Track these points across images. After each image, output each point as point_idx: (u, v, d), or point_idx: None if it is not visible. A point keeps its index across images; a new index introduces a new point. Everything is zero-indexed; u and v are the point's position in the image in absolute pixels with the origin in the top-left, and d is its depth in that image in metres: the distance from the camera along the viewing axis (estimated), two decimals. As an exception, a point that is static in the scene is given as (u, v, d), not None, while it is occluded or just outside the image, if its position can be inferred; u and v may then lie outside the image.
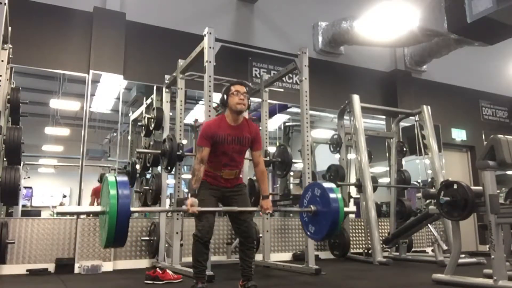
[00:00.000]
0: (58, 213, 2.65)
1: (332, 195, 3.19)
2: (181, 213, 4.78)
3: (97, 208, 2.73)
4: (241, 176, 3.32)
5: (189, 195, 3.01)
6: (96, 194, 5.53)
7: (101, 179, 5.67)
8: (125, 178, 2.63)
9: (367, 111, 6.51)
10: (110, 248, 2.43)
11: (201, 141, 3.07)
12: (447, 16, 5.36)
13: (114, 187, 2.50)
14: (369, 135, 6.49)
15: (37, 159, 6.03)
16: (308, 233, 3.45)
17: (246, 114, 5.74)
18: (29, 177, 5.74)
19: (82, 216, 5.07)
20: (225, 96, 3.11)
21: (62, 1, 5.55)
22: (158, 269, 3.84)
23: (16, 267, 4.54)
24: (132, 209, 2.56)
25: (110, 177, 2.58)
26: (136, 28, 5.90)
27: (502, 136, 3.49)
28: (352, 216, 6.67)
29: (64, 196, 6.33)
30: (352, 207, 6.66)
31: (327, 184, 3.33)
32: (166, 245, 4.94)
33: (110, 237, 2.48)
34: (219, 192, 3.16)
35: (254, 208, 3.28)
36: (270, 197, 5.76)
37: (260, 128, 5.39)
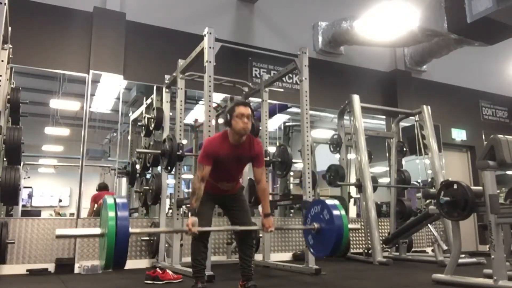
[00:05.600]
0: (57, 236, 2.65)
1: (335, 212, 3.18)
2: (181, 213, 4.78)
3: (96, 230, 2.72)
4: (240, 181, 3.34)
5: (189, 214, 2.96)
6: (96, 199, 5.56)
7: (99, 188, 5.75)
8: (124, 200, 2.63)
9: (367, 111, 6.51)
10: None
11: (202, 159, 3.02)
12: (447, 16, 5.36)
13: (113, 209, 2.51)
14: (369, 135, 6.48)
15: (37, 159, 6.03)
16: (312, 250, 3.43)
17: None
18: (29, 177, 5.74)
19: (82, 216, 5.09)
20: (228, 116, 3.02)
21: (62, 1, 5.55)
22: (158, 269, 3.84)
23: (16, 267, 4.55)
24: (131, 230, 2.56)
25: (109, 199, 2.58)
26: (136, 28, 5.90)
27: (502, 136, 3.49)
28: (352, 216, 6.67)
29: (60, 201, 6.32)
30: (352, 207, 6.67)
31: (330, 201, 3.32)
32: (166, 245, 4.94)
33: (109, 259, 2.47)
34: (218, 197, 3.21)
35: (256, 227, 3.23)
36: (271, 196, 5.75)
37: (260, 128, 5.40)
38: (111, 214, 2.49)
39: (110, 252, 2.45)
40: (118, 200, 2.58)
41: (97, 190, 5.70)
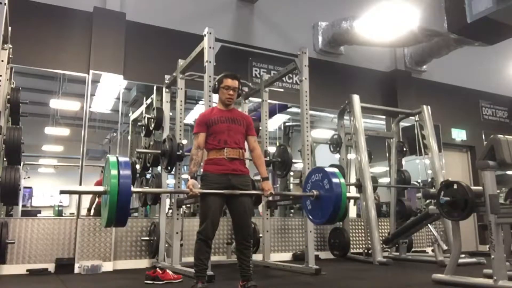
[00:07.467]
0: (61, 192, 2.69)
1: (334, 180, 3.21)
2: (181, 213, 4.78)
3: (99, 187, 2.79)
4: (247, 167, 3.26)
5: (189, 178, 3.06)
6: (98, 185, 5.53)
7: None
8: (126, 159, 2.68)
9: (367, 111, 6.51)
10: (111, 227, 2.57)
11: (196, 128, 3.22)
12: (447, 16, 5.36)
13: (116, 167, 2.55)
14: (369, 135, 6.48)
15: (37, 159, 6.03)
16: (311, 217, 3.45)
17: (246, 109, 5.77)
18: (29, 177, 5.74)
19: (82, 216, 5.08)
20: (216, 85, 3.26)
21: (62, 1, 5.55)
22: (158, 269, 3.85)
23: (16, 267, 4.55)
24: (133, 189, 2.61)
25: (112, 158, 2.63)
26: (136, 28, 5.90)
27: (502, 136, 3.49)
28: (352, 216, 6.67)
29: (60, 202, 6.31)
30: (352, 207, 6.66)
31: (329, 169, 3.35)
32: (166, 245, 4.94)
33: (111, 216, 2.54)
34: (224, 185, 3.06)
35: (256, 192, 3.34)
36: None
37: (260, 128, 5.39)
38: (114, 172, 2.53)
39: (112, 209, 2.50)
40: (121, 159, 2.62)
41: (102, 172, 5.64)
